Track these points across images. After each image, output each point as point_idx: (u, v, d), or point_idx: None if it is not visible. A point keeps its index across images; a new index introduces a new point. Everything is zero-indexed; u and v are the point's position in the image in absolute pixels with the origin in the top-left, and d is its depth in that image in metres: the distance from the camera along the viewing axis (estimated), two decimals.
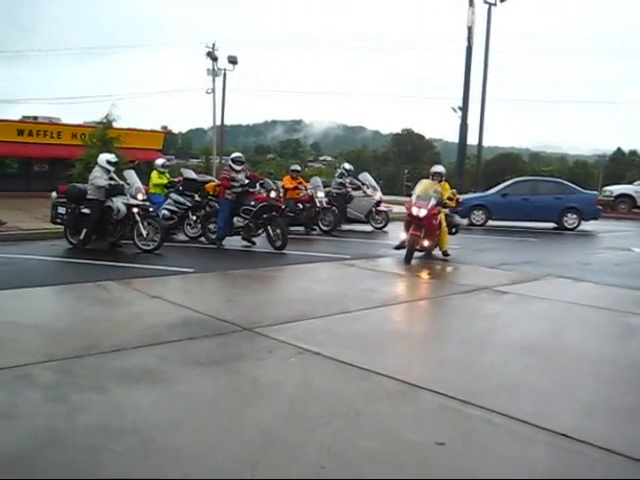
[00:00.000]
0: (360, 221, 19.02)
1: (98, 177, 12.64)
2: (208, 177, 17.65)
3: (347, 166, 19.50)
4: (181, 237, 15.01)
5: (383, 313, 7.74)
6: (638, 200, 29.10)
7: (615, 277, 10.82)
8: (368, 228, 18.59)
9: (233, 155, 14.11)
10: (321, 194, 17.53)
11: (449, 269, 11.70)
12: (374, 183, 19.70)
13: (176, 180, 15.79)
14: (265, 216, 13.26)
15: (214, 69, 42.29)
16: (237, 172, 13.69)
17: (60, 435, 3.93)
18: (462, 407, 4.59)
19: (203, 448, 3.81)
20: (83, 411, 4.32)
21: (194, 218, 14.84)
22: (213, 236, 13.97)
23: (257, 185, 13.58)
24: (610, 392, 5.14)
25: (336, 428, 4.14)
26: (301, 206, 17.55)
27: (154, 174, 15.98)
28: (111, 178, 12.80)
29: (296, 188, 17.82)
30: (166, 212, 14.97)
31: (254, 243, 13.91)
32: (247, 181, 13.64)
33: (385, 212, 19.13)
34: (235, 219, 13.60)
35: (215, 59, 41.91)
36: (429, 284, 9.83)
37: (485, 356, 5.99)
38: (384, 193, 20.19)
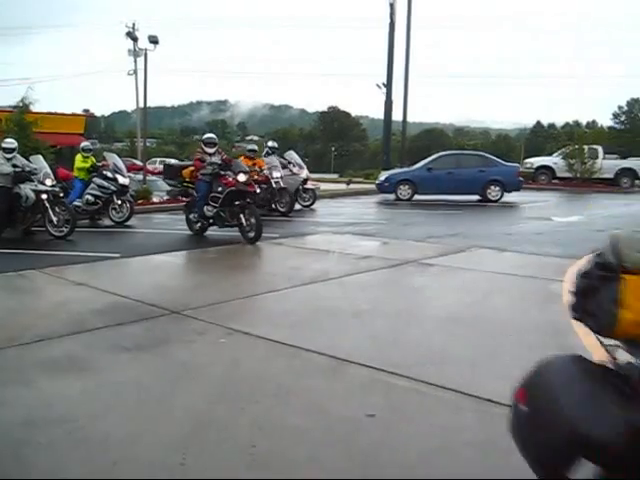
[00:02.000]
0: None
1: (0, 164, 12.19)
2: (188, 162, 16.92)
3: (271, 144, 19.39)
4: (107, 222, 14.70)
5: (311, 290, 7.78)
6: (557, 171, 29.99)
7: (536, 246, 11.14)
8: (296, 206, 18.58)
9: (204, 136, 13.02)
10: (277, 174, 17.01)
11: (376, 244, 11.82)
12: (300, 161, 19.47)
13: (100, 164, 15.35)
14: (237, 203, 11.69)
15: (135, 49, 41.24)
16: (210, 155, 12.32)
17: None
18: (391, 379, 4.67)
19: (132, 434, 3.77)
20: (6, 405, 4.21)
21: (119, 202, 14.54)
22: (197, 225, 12.72)
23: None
24: (533, 357, 5.19)
25: (266, 407, 4.15)
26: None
27: (78, 157, 15.45)
28: (15, 165, 12.22)
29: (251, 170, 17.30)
30: (90, 197, 14.62)
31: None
32: (220, 162, 12.23)
33: (312, 190, 19.10)
34: (205, 208, 12.21)
35: (135, 39, 40.81)
36: (356, 260, 9.90)
37: (413, 328, 6.10)
38: (312, 171, 20.15)
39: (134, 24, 42.72)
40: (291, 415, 4.04)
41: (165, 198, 20.77)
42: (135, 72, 42.09)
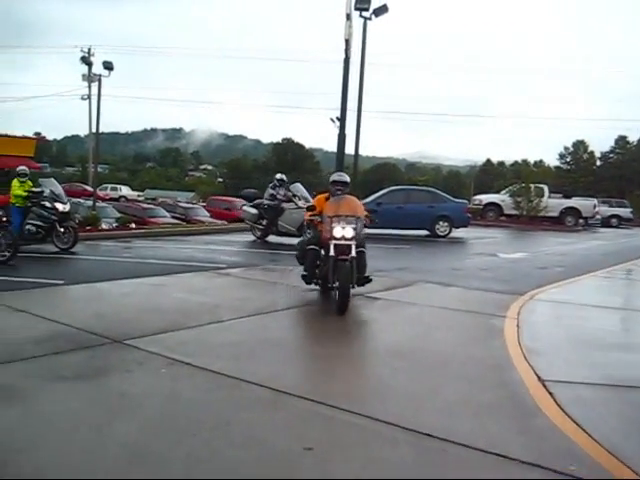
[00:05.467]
0: (292, 234, 16.96)
1: None
2: None
3: (279, 176, 18.70)
4: (52, 248, 14.42)
5: (256, 322, 7.75)
6: (505, 208, 30.69)
7: (481, 281, 11.33)
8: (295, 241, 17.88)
9: None
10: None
11: None
12: (306, 194, 18.17)
13: (37, 190, 14.76)
14: None
15: (89, 75, 41.01)
16: None
17: None
18: (331, 412, 4.68)
19: (66, 466, 3.70)
20: None
21: (62, 230, 14.25)
22: None
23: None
24: (472, 391, 5.38)
25: (204, 439, 4.12)
26: None
27: (15, 183, 14.85)
28: None
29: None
30: (31, 227, 14.27)
31: None
32: None
33: None
34: None
35: (90, 64, 40.66)
36: (304, 292, 9.90)
37: (357, 361, 6.14)
38: None
39: (89, 49, 42.49)
40: (229, 447, 4.02)
41: (115, 225, 20.47)
42: (89, 97, 41.73)
